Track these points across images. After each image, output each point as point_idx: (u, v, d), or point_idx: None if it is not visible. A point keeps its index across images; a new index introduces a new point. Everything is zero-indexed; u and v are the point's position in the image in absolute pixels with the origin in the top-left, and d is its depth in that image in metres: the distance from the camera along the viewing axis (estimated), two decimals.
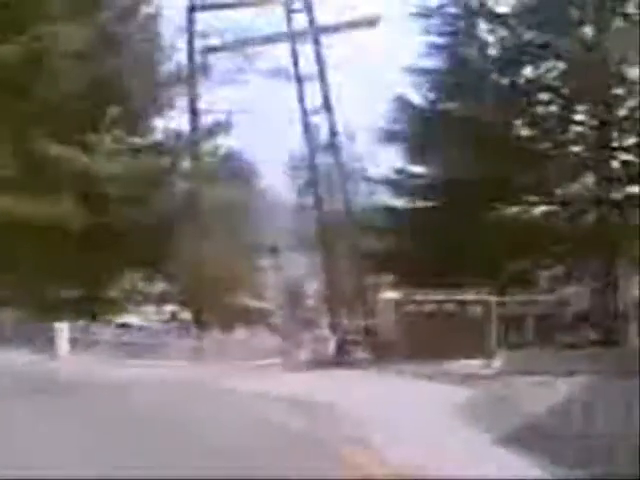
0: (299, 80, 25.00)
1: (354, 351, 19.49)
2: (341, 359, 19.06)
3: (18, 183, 24.49)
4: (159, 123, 28.97)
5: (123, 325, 25.21)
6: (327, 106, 24.89)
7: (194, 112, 27.26)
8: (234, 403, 13.43)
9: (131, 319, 26.97)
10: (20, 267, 24.09)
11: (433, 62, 25.99)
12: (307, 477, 6.99)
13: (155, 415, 12.05)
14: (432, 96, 26.34)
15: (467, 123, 23.25)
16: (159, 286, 27.93)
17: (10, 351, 21.70)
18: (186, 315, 26.77)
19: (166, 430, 10.38)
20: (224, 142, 29.25)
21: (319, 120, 25.28)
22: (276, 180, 34.19)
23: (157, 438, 9.69)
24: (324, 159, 26.27)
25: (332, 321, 23.17)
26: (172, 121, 28.60)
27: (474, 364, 16.28)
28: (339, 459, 8.33)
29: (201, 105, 27.51)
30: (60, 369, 19.37)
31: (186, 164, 28.69)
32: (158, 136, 28.96)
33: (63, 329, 22.00)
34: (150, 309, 28.45)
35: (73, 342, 21.94)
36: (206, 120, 27.92)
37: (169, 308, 28.14)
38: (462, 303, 19.49)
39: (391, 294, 21.23)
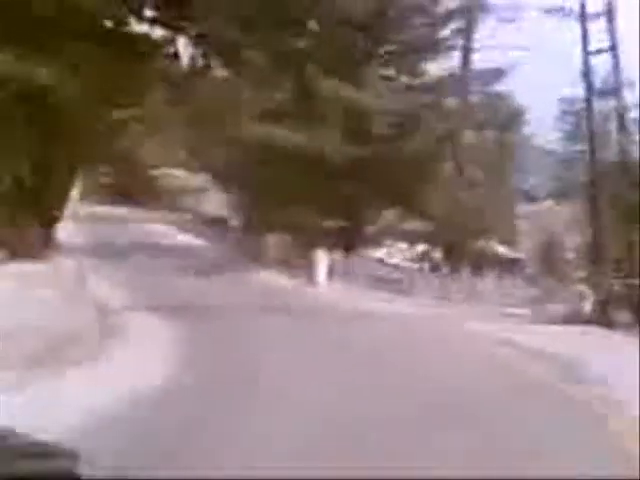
0: (583, 19, 23.29)
1: (615, 311, 18.13)
2: (599, 318, 17.85)
3: (293, 115, 25.44)
4: (432, 62, 28.48)
5: (378, 260, 25.62)
6: (613, 49, 23.05)
7: (467, 52, 26.58)
8: (476, 347, 13.13)
9: (385, 255, 27.33)
10: (286, 195, 25.12)
11: None
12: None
13: (390, 347, 12.16)
14: None
15: None
16: (413, 225, 27.94)
17: (271, 273, 22.95)
18: (437, 255, 26.65)
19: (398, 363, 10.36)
20: (495, 84, 28.33)
21: (599, 63, 23.60)
22: (544, 125, 32.66)
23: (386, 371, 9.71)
24: (598, 105, 24.57)
25: (592, 277, 21.82)
26: (446, 60, 28.08)
27: None
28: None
29: (476, 44, 26.79)
30: (315, 295, 20.15)
31: (452, 103, 28.20)
32: (429, 74, 28.55)
33: (322, 258, 22.76)
34: (404, 246, 28.62)
35: (330, 271, 22.64)
36: (480, 60, 27.13)
37: (421, 247, 28.13)
38: None
39: None
